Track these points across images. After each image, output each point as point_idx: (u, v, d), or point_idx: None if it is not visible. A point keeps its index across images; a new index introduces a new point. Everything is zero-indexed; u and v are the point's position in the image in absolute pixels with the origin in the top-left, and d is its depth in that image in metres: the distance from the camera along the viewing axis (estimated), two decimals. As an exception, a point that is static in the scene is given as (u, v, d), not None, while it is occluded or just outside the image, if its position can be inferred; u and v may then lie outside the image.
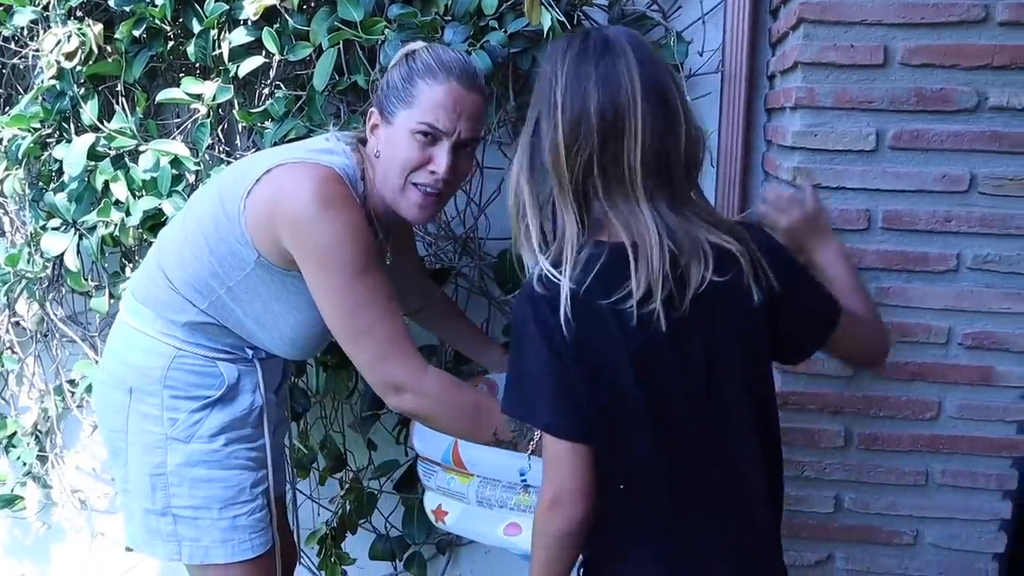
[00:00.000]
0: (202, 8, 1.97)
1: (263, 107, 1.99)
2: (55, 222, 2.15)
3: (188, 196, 1.97)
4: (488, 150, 2.05)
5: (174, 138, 2.11)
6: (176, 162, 2.02)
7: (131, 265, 2.18)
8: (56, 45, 2.02)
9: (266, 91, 2.04)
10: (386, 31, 1.83)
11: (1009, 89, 1.56)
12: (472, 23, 1.83)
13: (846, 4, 1.57)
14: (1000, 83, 1.56)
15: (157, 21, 2.00)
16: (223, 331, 1.56)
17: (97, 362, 2.28)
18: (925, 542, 1.77)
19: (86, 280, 2.22)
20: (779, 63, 1.82)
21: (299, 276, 1.46)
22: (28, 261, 2.23)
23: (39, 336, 2.45)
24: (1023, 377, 1.67)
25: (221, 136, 2.14)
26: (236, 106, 2.04)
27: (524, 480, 1.52)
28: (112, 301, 2.21)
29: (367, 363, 1.45)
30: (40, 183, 2.20)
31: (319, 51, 1.90)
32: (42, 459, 2.52)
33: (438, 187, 1.49)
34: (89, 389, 2.26)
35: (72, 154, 2.05)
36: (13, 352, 2.45)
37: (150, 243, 2.04)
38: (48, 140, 2.15)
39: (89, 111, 2.08)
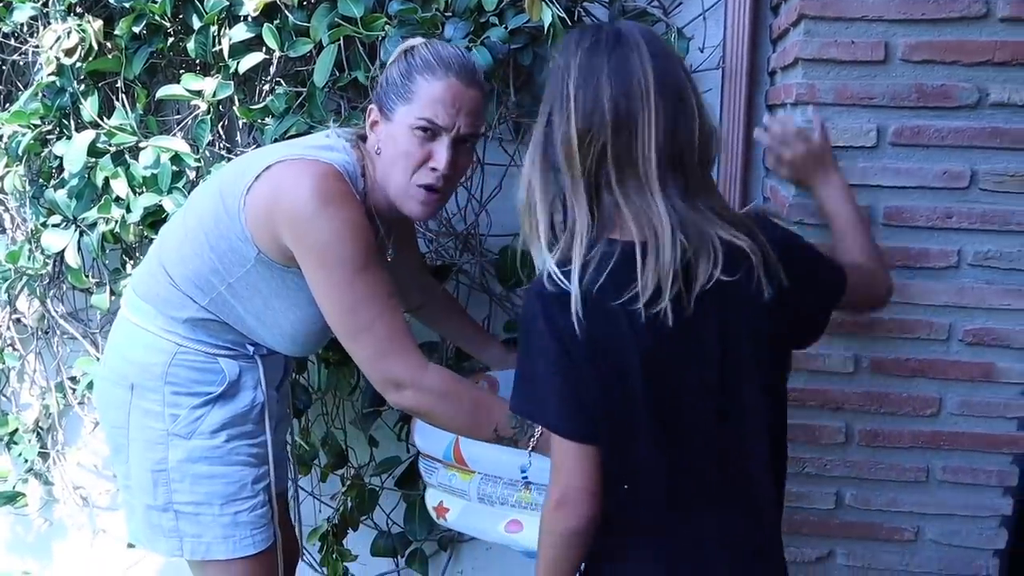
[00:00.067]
0: (202, 4, 1.97)
1: (263, 103, 1.99)
2: (56, 219, 2.15)
3: (188, 193, 1.97)
4: (489, 147, 2.05)
5: (174, 134, 2.11)
6: (176, 159, 2.02)
7: (132, 262, 2.18)
8: (56, 41, 2.02)
9: (266, 87, 2.04)
10: (386, 27, 1.83)
11: (1010, 85, 1.56)
12: (472, 19, 1.83)
13: (847, 0, 1.57)
14: (1001, 79, 1.56)
15: (157, 17, 2.00)
16: (224, 327, 1.56)
17: (98, 359, 2.28)
18: (926, 538, 1.77)
19: (87, 277, 2.22)
20: (780, 59, 1.82)
21: (299, 273, 1.46)
22: (29, 258, 2.23)
23: (40, 333, 2.45)
24: (1024, 373, 1.68)
25: (221, 132, 2.14)
26: (236, 102, 2.03)
27: (525, 477, 1.52)
28: (113, 298, 2.21)
29: (367, 360, 1.45)
30: (40, 180, 2.20)
31: (319, 47, 1.90)
32: (44, 456, 2.53)
33: (439, 183, 1.49)
34: (90, 386, 2.26)
35: (72, 151, 2.04)
36: (14, 349, 2.45)
37: (150, 240, 2.04)
38: (48, 137, 2.15)
39: (89, 107, 2.08)
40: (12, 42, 2.21)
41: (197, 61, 2.04)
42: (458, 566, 2.40)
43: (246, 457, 1.60)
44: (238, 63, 1.95)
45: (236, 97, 2.03)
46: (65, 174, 2.08)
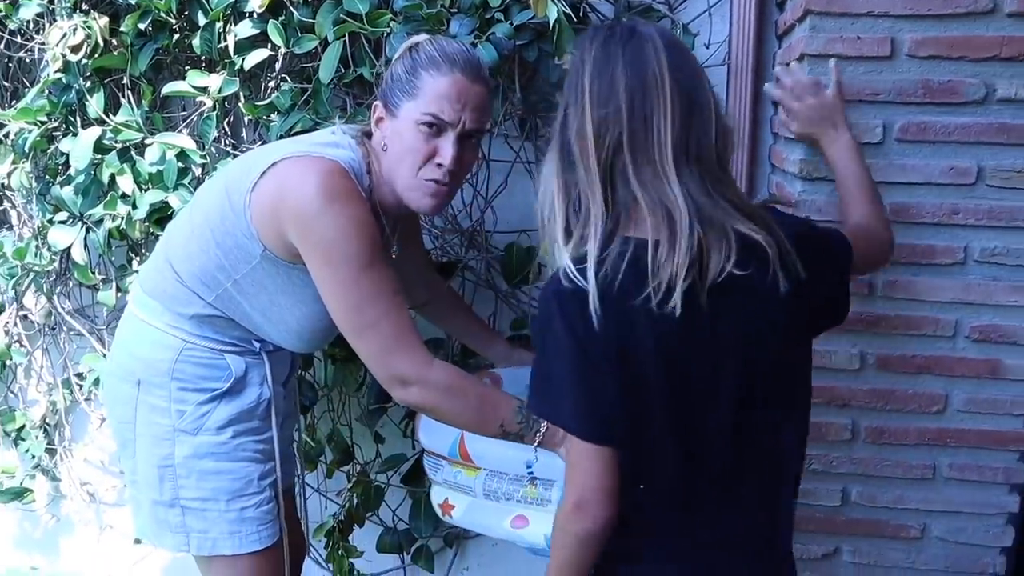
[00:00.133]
0: (208, 1, 1.97)
1: (269, 100, 1.99)
2: (62, 215, 2.16)
3: (194, 189, 1.98)
4: (494, 143, 2.05)
5: (180, 131, 2.11)
6: (182, 155, 2.03)
7: (138, 258, 2.19)
8: (62, 38, 2.02)
9: (272, 84, 2.04)
10: (392, 23, 1.83)
11: (1017, 81, 1.55)
12: (478, 15, 1.83)
13: (853, -5, 1.57)
14: (1008, 75, 1.55)
15: (163, 14, 2.00)
16: (230, 324, 1.56)
17: (105, 355, 2.29)
18: (932, 536, 1.77)
19: (93, 273, 2.22)
20: (785, 55, 1.81)
21: (305, 269, 1.46)
22: (35, 254, 2.24)
23: (47, 329, 2.46)
24: (1031, 370, 1.67)
25: (227, 129, 2.14)
26: (242, 99, 2.04)
27: (531, 472, 1.52)
28: (119, 294, 2.22)
29: (373, 357, 1.45)
30: (47, 176, 2.21)
31: (325, 44, 1.90)
32: (51, 452, 2.53)
33: (445, 179, 1.49)
34: (97, 382, 2.27)
35: (78, 147, 2.05)
36: (21, 345, 2.46)
37: (156, 236, 2.04)
38: (54, 133, 2.16)
39: (95, 104, 2.08)
40: (18, 39, 2.22)
41: (203, 58, 2.05)
42: (464, 562, 2.40)
43: (252, 453, 1.60)
44: (243, 59, 1.95)
45: (241, 93, 2.03)
46: (71, 171, 2.09)
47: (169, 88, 2.03)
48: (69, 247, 2.13)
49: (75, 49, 2.03)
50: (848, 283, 1.34)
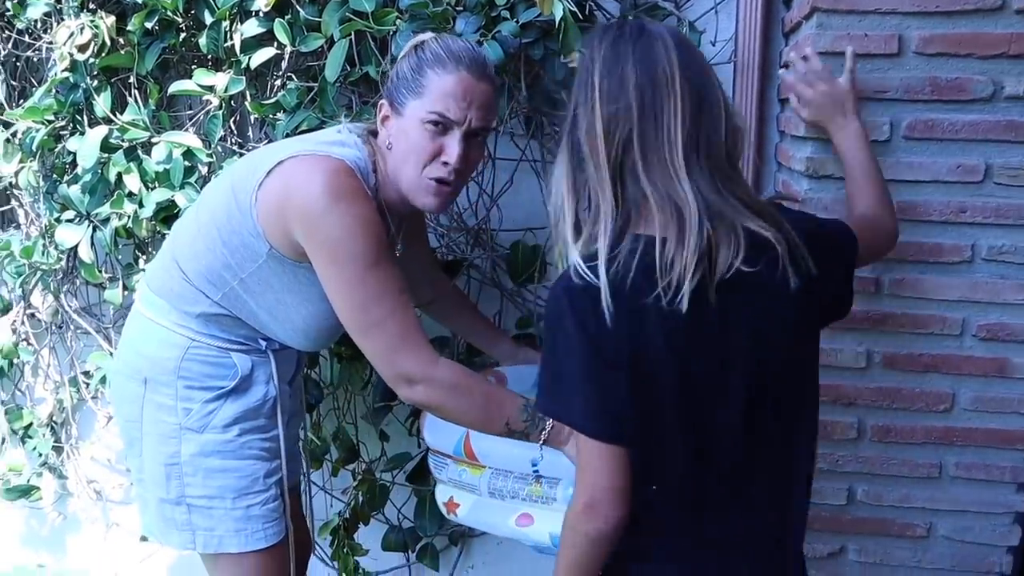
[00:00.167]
0: (214, 0, 1.97)
1: (275, 98, 2.00)
2: (69, 214, 2.17)
3: (201, 188, 1.98)
4: (500, 141, 2.05)
5: (186, 130, 2.11)
6: (189, 154, 2.03)
7: (144, 257, 2.19)
8: (69, 37, 2.03)
9: (278, 82, 2.05)
10: (398, 22, 1.83)
11: (1026, 78, 1.55)
12: (484, 13, 1.82)
13: (860, -7, 1.56)
14: (1016, 72, 1.55)
15: (169, 13, 2.00)
16: (237, 322, 1.57)
17: (111, 353, 2.29)
18: (938, 534, 1.77)
19: (100, 272, 2.23)
20: (786, 57, 1.81)
21: (311, 268, 1.46)
22: (43, 253, 2.25)
23: (54, 328, 2.47)
24: (1038, 369, 1.66)
25: (233, 128, 2.15)
26: (248, 97, 2.04)
27: (536, 471, 1.52)
28: (126, 293, 2.23)
29: (379, 355, 1.45)
30: (54, 175, 2.21)
31: (331, 42, 1.90)
32: (58, 450, 2.54)
33: (450, 177, 1.49)
34: (103, 380, 2.28)
35: (85, 146, 2.06)
36: (29, 344, 2.47)
37: (163, 235, 2.05)
38: (62, 132, 2.16)
39: (102, 103, 2.09)
40: (26, 38, 2.23)
41: (209, 56, 2.05)
42: (469, 561, 2.40)
43: (258, 451, 1.61)
44: (250, 58, 1.96)
45: (248, 92, 2.03)
46: (78, 169, 2.10)
47: (176, 87, 2.03)
48: (76, 246, 2.14)
49: (82, 48, 2.03)
50: (853, 276, 1.34)
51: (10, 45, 2.25)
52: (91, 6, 2.08)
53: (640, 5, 1.93)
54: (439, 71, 1.46)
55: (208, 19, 1.99)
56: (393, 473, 2.25)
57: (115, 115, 2.09)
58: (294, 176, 1.44)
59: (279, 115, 1.99)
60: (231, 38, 1.98)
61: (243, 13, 1.97)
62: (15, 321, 2.42)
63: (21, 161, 2.22)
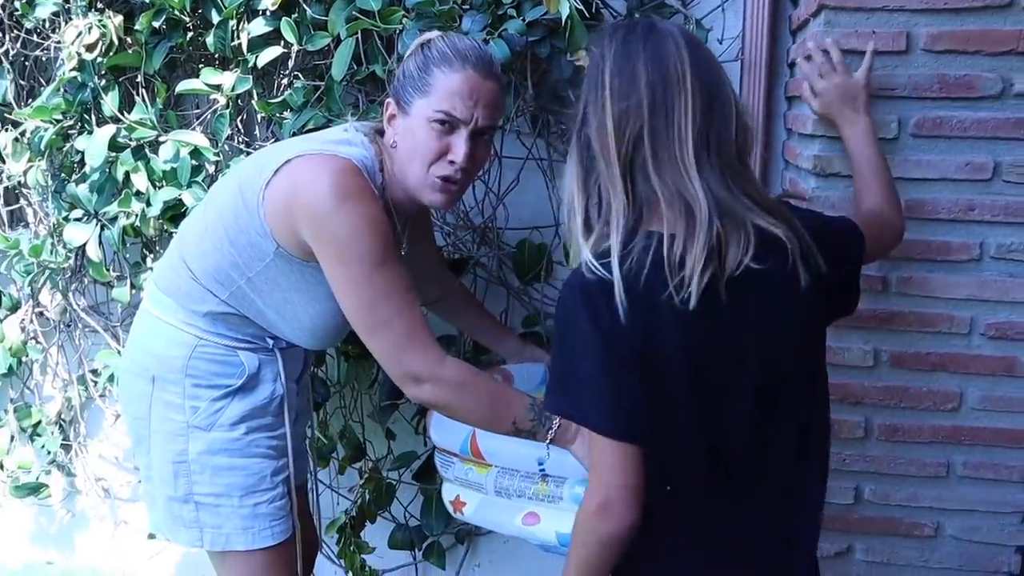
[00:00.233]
0: (221, -1, 1.98)
1: (282, 97, 2.00)
2: (77, 213, 2.17)
3: (208, 187, 1.98)
4: (506, 139, 2.05)
5: (194, 129, 2.12)
6: (196, 153, 2.04)
7: (152, 255, 2.20)
8: (77, 37, 2.04)
9: (285, 81, 2.05)
10: (404, 20, 1.83)
11: (1034, 75, 1.54)
12: (490, 11, 1.82)
13: (868, -10, 1.56)
14: (1025, 69, 1.54)
15: (176, 12, 2.01)
16: (244, 321, 1.57)
17: (119, 352, 2.30)
18: (946, 534, 1.76)
19: (108, 270, 2.24)
20: (800, 50, 1.80)
21: (318, 267, 1.46)
22: (51, 252, 2.26)
23: (62, 326, 2.48)
24: (1047, 368, 1.66)
25: (240, 126, 2.15)
26: (255, 96, 2.04)
27: (543, 469, 1.52)
28: (133, 291, 2.23)
29: (386, 354, 1.45)
30: (62, 174, 2.22)
31: (337, 41, 1.90)
32: (66, 448, 2.55)
33: (457, 175, 1.49)
34: (112, 379, 2.29)
35: (93, 145, 2.06)
36: (37, 342, 2.48)
37: (170, 233, 2.05)
38: (70, 131, 2.17)
39: (110, 102, 2.09)
40: (34, 38, 2.23)
41: (216, 55, 2.06)
42: (475, 559, 2.40)
43: (265, 449, 1.61)
44: (256, 57, 1.96)
45: (255, 91, 2.04)
46: (86, 168, 2.10)
47: (183, 86, 2.04)
48: (84, 244, 2.15)
49: (90, 47, 2.04)
50: (860, 273, 1.33)
51: (19, 44, 2.26)
52: (99, 5, 2.09)
53: (647, 3, 1.93)
54: (445, 70, 1.45)
55: (215, 18, 1.99)
56: (400, 471, 2.25)
57: (123, 114, 2.10)
58: (301, 175, 1.44)
59: (286, 114, 2.00)
60: (238, 37, 1.98)
61: (250, 12, 1.97)
62: (24, 319, 2.43)
63: (30, 160, 2.23)
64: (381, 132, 1.56)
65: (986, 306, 1.65)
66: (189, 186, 2.02)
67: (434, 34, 1.52)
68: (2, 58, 2.27)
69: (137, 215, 2.06)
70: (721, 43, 1.95)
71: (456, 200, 1.58)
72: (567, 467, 1.48)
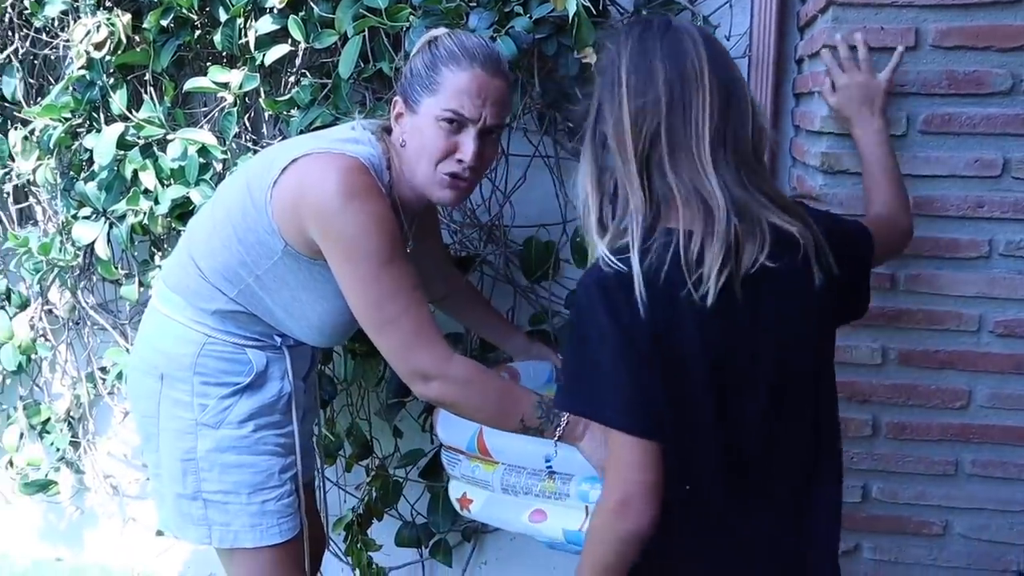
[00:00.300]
0: (228, -3, 1.99)
1: (289, 95, 2.00)
2: (86, 211, 2.18)
3: (216, 185, 1.99)
4: (513, 137, 2.05)
5: (201, 127, 2.12)
6: (204, 151, 2.04)
7: (160, 253, 2.21)
8: (86, 35, 2.05)
9: (292, 79, 2.05)
10: (411, 18, 1.83)
11: (1044, 72, 1.53)
12: (497, 9, 1.82)
13: (876, -14, 1.55)
14: (1034, 65, 1.53)
15: (184, 10, 2.01)
16: (252, 319, 1.57)
17: (128, 350, 2.31)
18: (954, 532, 1.75)
19: (116, 268, 2.25)
20: (807, 47, 1.80)
21: (326, 265, 1.47)
22: (60, 249, 2.26)
23: (71, 324, 2.49)
24: (1056, 366, 1.65)
25: (248, 124, 2.16)
26: (262, 94, 2.05)
27: (550, 467, 1.52)
28: (142, 289, 2.24)
29: (393, 352, 1.45)
30: (71, 172, 2.23)
31: (344, 39, 1.90)
32: (75, 445, 2.56)
33: (465, 174, 1.49)
34: (120, 376, 2.29)
35: (102, 143, 2.07)
36: (46, 340, 2.49)
37: (179, 231, 2.06)
38: (79, 130, 2.18)
39: (118, 100, 2.10)
40: (43, 36, 2.24)
41: (223, 54, 2.06)
42: (482, 557, 2.40)
43: (273, 447, 1.61)
44: (264, 55, 1.96)
45: (262, 89, 2.04)
46: (95, 166, 2.11)
47: (191, 84, 2.04)
48: (93, 242, 2.16)
49: (99, 46, 2.05)
50: (869, 274, 1.33)
51: (28, 43, 2.27)
52: (107, 4, 2.10)
53: (654, 0, 1.92)
54: (453, 68, 1.45)
55: (223, 16, 1.99)
56: (406, 469, 2.25)
57: (131, 112, 2.10)
58: (309, 174, 1.44)
59: (293, 112, 2.00)
60: (245, 35, 1.98)
61: (257, 10, 1.97)
62: (33, 317, 2.44)
63: (39, 158, 2.23)
64: (388, 130, 1.56)
65: (995, 303, 1.64)
66: (197, 184, 2.03)
67: (441, 31, 1.52)
68: (11, 57, 2.28)
69: (145, 213, 2.07)
70: (728, 40, 1.94)
71: (465, 197, 1.58)
72: (574, 464, 1.48)
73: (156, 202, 2.05)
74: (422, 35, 1.57)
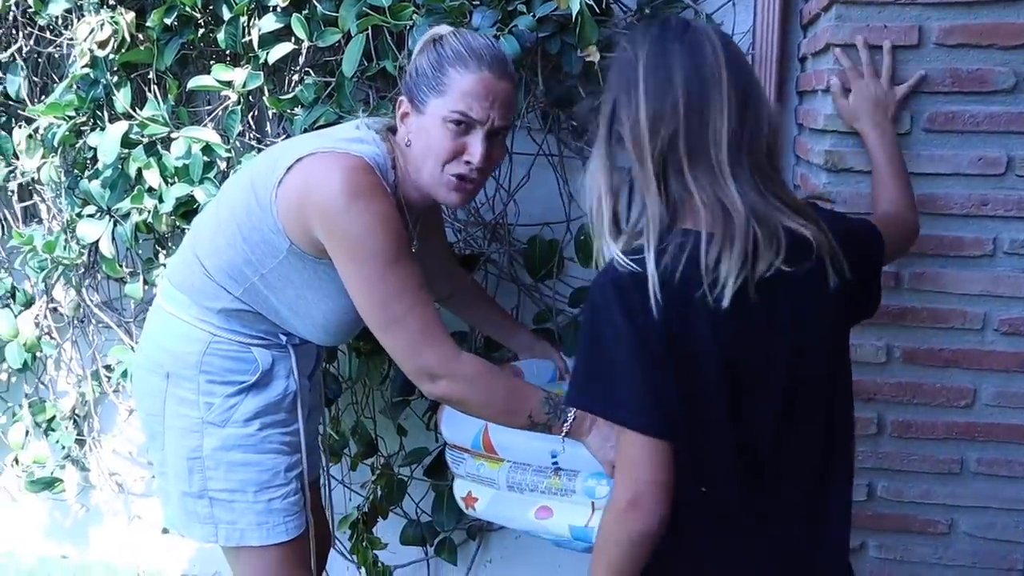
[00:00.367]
0: (232, -4, 1.98)
1: (293, 94, 2.00)
2: (90, 209, 2.19)
3: (220, 183, 1.99)
4: (517, 136, 2.05)
5: (205, 125, 2.13)
6: (207, 149, 2.04)
7: (164, 251, 2.21)
8: (89, 34, 2.05)
9: (295, 77, 2.05)
10: (415, 16, 1.83)
11: (1048, 69, 1.53)
12: (500, 7, 1.82)
13: (880, -16, 1.54)
14: (1039, 63, 1.53)
15: (188, 9, 2.01)
16: (257, 317, 1.57)
17: (132, 348, 2.31)
18: (960, 531, 1.75)
19: (121, 266, 2.25)
20: (811, 45, 1.80)
21: (331, 264, 1.47)
22: (65, 248, 2.27)
23: (76, 322, 2.49)
24: (1061, 364, 1.64)
25: (251, 123, 2.16)
26: (266, 93, 2.05)
27: (556, 463, 1.52)
28: (146, 287, 2.24)
29: (400, 351, 1.46)
30: (75, 171, 2.23)
31: (348, 37, 1.90)
32: (80, 443, 2.57)
33: (473, 175, 1.49)
34: (125, 374, 2.30)
35: (106, 142, 2.07)
36: (51, 338, 2.50)
37: (183, 230, 2.06)
38: (83, 128, 2.18)
39: (122, 99, 2.10)
40: (47, 35, 2.24)
41: (227, 52, 2.06)
42: (487, 555, 2.41)
43: (279, 445, 1.62)
44: (267, 53, 1.96)
45: (266, 87, 2.04)
46: (99, 165, 2.11)
47: (194, 82, 2.04)
48: (97, 240, 2.16)
49: (102, 44, 2.05)
50: (880, 274, 1.33)
51: (32, 41, 2.27)
52: (111, 2, 2.10)
53: (658, -1, 1.92)
54: (461, 70, 1.45)
55: (226, 15, 1.99)
56: (411, 467, 2.26)
57: (135, 111, 2.10)
58: (313, 173, 1.44)
59: (297, 110, 2.00)
60: (249, 34, 1.98)
61: (261, 9, 1.97)
62: (38, 315, 2.45)
63: (43, 156, 2.24)
64: (393, 130, 1.56)
65: (999, 302, 1.64)
66: (201, 182, 2.03)
67: (445, 30, 1.52)
68: (16, 55, 2.28)
69: (149, 211, 2.07)
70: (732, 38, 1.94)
71: (471, 199, 1.58)
72: (580, 461, 1.48)
73: (160, 200, 2.06)
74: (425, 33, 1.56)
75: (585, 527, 1.50)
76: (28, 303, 2.45)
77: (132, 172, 2.08)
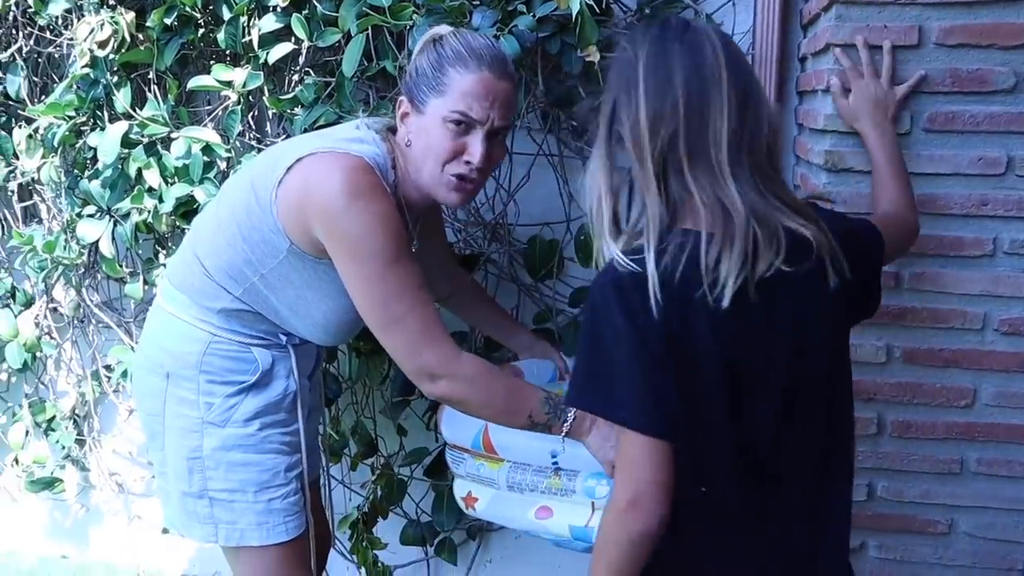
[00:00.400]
0: (232, -5, 1.98)
1: (293, 94, 2.00)
2: (90, 209, 2.19)
3: (220, 183, 1.99)
4: (517, 136, 2.05)
5: (205, 125, 2.13)
6: (207, 149, 2.04)
7: (164, 251, 2.21)
8: (89, 34, 2.05)
9: (295, 77, 2.05)
10: (414, 16, 1.83)
11: (1048, 69, 1.53)
12: (500, 7, 1.82)
13: (880, -16, 1.54)
14: (1039, 63, 1.53)
15: (188, 9, 2.01)
16: (257, 317, 1.57)
17: (132, 348, 2.31)
18: (960, 531, 1.75)
19: (121, 266, 2.25)
20: (811, 45, 1.80)
21: (331, 264, 1.47)
22: (65, 248, 2.27)
23: (76, 322, 2.50)
24: (1061, 364, 1.64)
25: (251, 123, 2.16)
26: (266, 93, 2.05)
27: (556, 463, 1.52)
28: (146, 287, 2.25)
29: (400, 351, 1.46)
30: (75, 171, 2.23)
31: (348, 37, 1.90)
32: (80, 443, 2.57)
33: (473, 175, 1.49)
34: (125, 374, 2.30)
35: (106, 142, 2.08)
36: (51, 338, 2.50)
37: (183, 230, 2.06)
38: (83, 128, 2.18)
39: (122, 99, 2.10)
40: (47, 35, 2.25)
41: (227, 52, 2.06)
42: (487, 555, 2.41)
43: (279, 445, 1.62)
44: (268, 53, 1.96)
45: (266, 87, 2.04)
46: (99, 165, 2.11)
47: (194, 82, 2.04)
48: (97, 240, 2.16)
49: (102, 44, 2.05)
50: (880, 274, 1.33)
51: (32, 41, 2.27)
52: (111, 2, 2.10)
53: (658, -2, 1.92)
54: (461, 70, 1.45)
55: (226, 15, 1.99)
56: (411, 467, 2.26)
57: (135, 111, 2.11)
58: (313, 173, 1.44)
59: (297, 110, 2.00)
60: (249, 34, 1.98)
61: (261, 9, 1.97)
62: (38, 315, 2.45)
63: (43, 156, 2.24)
64: (393, 129, 1.56)
65: (999, 302, 1.64)
66: (201, 182, 2.03)
67: (445, 30, 1.52)
68: (15, 55, 2.29)
69: (149, 211, 2.07)
70: (732, 38, 1.94)
71: (471, 199, 1.58)
72: (580, 460, 1.48)
73: (160, 200, 2.06)
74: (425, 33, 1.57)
75: (585, 527, 1.50)
76: (28, 303, 2.45)
77: (132, 172, 2.08)
